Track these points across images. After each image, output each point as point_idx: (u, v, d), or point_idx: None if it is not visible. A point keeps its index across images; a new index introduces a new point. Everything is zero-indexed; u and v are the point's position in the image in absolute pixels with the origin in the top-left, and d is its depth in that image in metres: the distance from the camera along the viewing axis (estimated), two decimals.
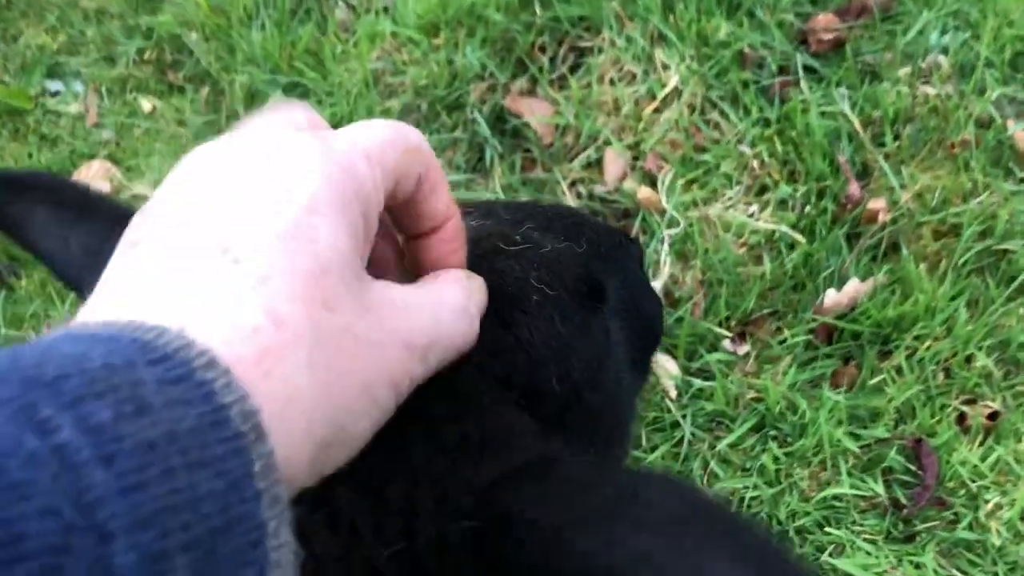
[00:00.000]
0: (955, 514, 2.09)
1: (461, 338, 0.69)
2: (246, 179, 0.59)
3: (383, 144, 0.66)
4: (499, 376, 0.77)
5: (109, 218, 0.98)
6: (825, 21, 2.70)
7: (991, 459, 2.11)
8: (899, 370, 2.24)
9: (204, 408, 0.48)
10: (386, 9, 3.18)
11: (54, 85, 3.64)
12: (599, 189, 2.65)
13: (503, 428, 0.73)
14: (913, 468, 2.15)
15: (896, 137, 2.52)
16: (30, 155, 3.46)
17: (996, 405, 2.19)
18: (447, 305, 0.68)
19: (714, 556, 0.55)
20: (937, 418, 2.17)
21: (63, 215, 0.97)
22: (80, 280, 1.01)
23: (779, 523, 2.14)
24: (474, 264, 0.82)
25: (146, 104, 3.44)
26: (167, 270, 0.55)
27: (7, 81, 3.67)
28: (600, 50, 2.86)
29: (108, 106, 3.48)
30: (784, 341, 2.32)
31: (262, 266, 0.54)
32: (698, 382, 2.31)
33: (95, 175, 3.32)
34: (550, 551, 0.66)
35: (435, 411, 0.72)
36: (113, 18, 3.69)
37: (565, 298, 0.84)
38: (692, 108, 2.71)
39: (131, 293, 0.54)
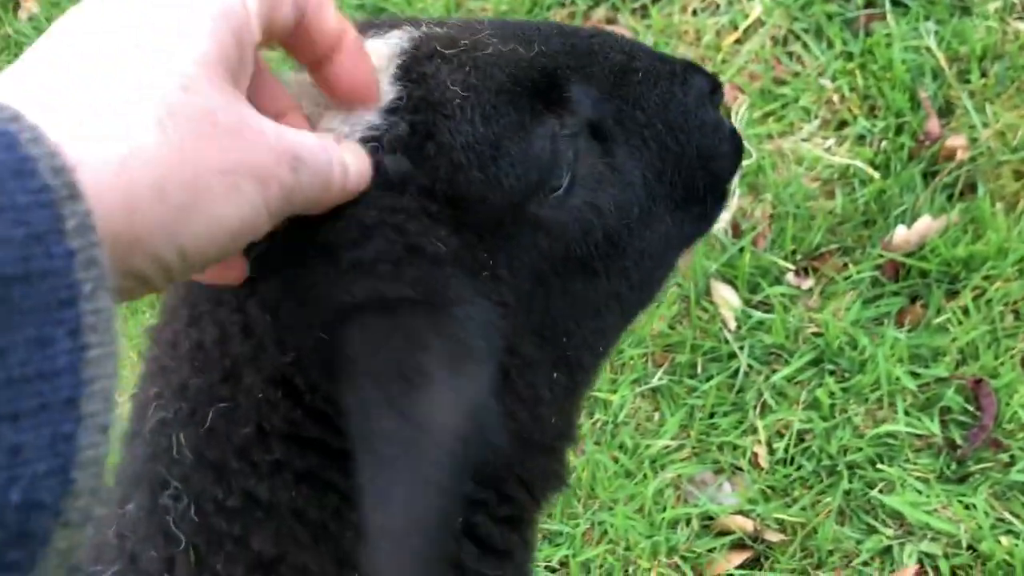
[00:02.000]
0: (1011, 456, 2.06)
1: (328, 174, 0.70)
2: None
3: None
4: (422, 187, 0.78)
5: None
6: None
7: None
8: (965, 310, 2.20)
9: (6, 156, 0.47)
10: None
11: None
12: None
13: (392, 252, 0.77)
14: (971, 409, 2.12)
15: (983, 74, 2.45)
16: None
17: None
18: (314, 140, 0.70)
19: None
20: (1000, 360, 2.13)
21: None
22: None
23: (830, 457, 2.14)
24: (406, 69, 0.83)
25: None
26: (39, 62, 0.59)
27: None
28: None
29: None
30: (849, 277, 2.30)
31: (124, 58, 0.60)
32: (758, 314, 2.31)
33: None
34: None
35: (330, 235, 0.77)
36: None
37: (492, 99, 0.82)
38: (775, 40, 2.68)
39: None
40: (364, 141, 0.80)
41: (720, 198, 1.11)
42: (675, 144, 1.01)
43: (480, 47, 0.86)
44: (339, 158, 0.72)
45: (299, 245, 0.78)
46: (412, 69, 0.83)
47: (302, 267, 0.79)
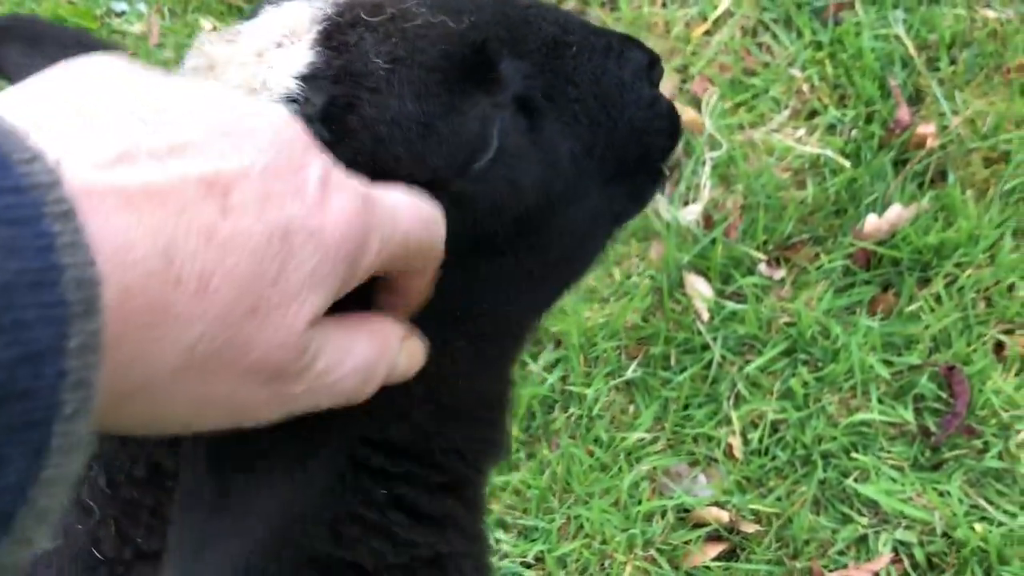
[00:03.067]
0: (985, 443, 2.07)
1: (346, 396, 0.66)
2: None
3: (415, 240, 0.67)
4: (342, 160, 0.71)
5: (57, 51, 0.98)
6: None
7: None
8: (937, 298, 2.21)
9: (30, 264, 0.43)
10: None
11: (119, 6, 3.72)
12: None
13: None
14: (944, 396, 2.13)
15: (952, 62, 2.46)
16: None
17: None
18: (354, 358, 0.65)
19: None
20: (973, 347, 2.14)
21: (36, 53, 0.99)
22: None
23: (804, 447, 2.14)
24: (327, 35, 0.79)
25: (207, 24, 3.51)
26: (80, 108, 0.52)
27: (75, 1, 3.77)
28: None
29: (169, 25, 3.56)
30: (821, 267, 2.30)
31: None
32: (731, 305, 2.31)
33: None
34: None
35: None
36: None
37: (420, 74, 0.80)
38: (744, 31, 2.68)
39: (30, 99, 0.53)
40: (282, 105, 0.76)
41: (654, 176, 1.09)
42: (607, 119, 0.99)
43: (408, 17, 0.83)
44: (393, 363, 0.71)
45: None
46: (334, 36, 0.80)
47: None
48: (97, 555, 0.86)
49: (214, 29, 3.34)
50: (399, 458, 0.90)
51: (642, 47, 1.02)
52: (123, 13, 3.72)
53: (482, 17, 0.87)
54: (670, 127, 1.04)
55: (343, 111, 0.78)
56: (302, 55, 0.79)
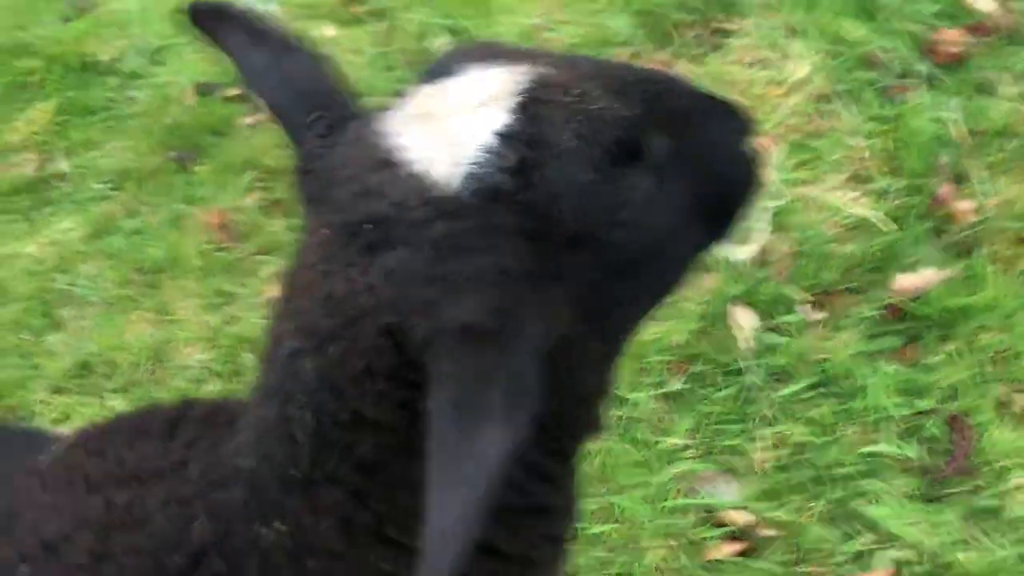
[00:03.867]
0: (981, 485, 2.35)
1: None
2: None
3: None
4: (522, 205, 1.01)
5: (279, 45, 1.29)
6: (952, 36, 2.94)
7: (1023, 444, 2.36)
8: (955, 354, 2.50)
9: None
10: None
11: (251, 2, 4.11)
12: None
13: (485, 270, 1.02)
14: (950, 440, 2.41)
15: (998, 149, 2.76)
16: (221, 61, 3.94)
17: None
18: None
19: None
20: (980, 400, 2.42)
21: (251, 36, 1.30)
22: (256, 85, 1.32)
23: (821, 468, 2.43)
24: (523, 105, 1.03)
25: (328, 30, 3.88)
26: None
27: None
28: (740, 35, 3.16)
29: (296, 27, 3.93)
30: (856, 314, 2.60)
31: None
32: (771, 337, 2.61)
33: None
34: None
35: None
36: None
37: (596, 152, 1.06)
38: (815, 98, 2.99)
39: None
40: (477, 164, 1.03)
41: (738, 217, 1.36)
42: (715, 174, 1.27)
43: (589, 100, 1.09)
44: None
45: (416, 232, 1.03)
46: (529, 107, 1.06)
47: (417, 257, 1.04)
48: (294, 474, 1.17)
49: (334, 36, 3.68)
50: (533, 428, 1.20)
51: (744, 114, 1.32)
52: (251, 8, 4.09)
53: (641, 101, 1.15)
54: (751, 178, 1.34)
55: (530, 170, 1.03)
56: (502, 117, 1.05)
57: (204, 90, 3.86)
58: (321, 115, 1.18)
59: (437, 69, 1.16)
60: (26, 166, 3.87)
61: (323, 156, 1.14)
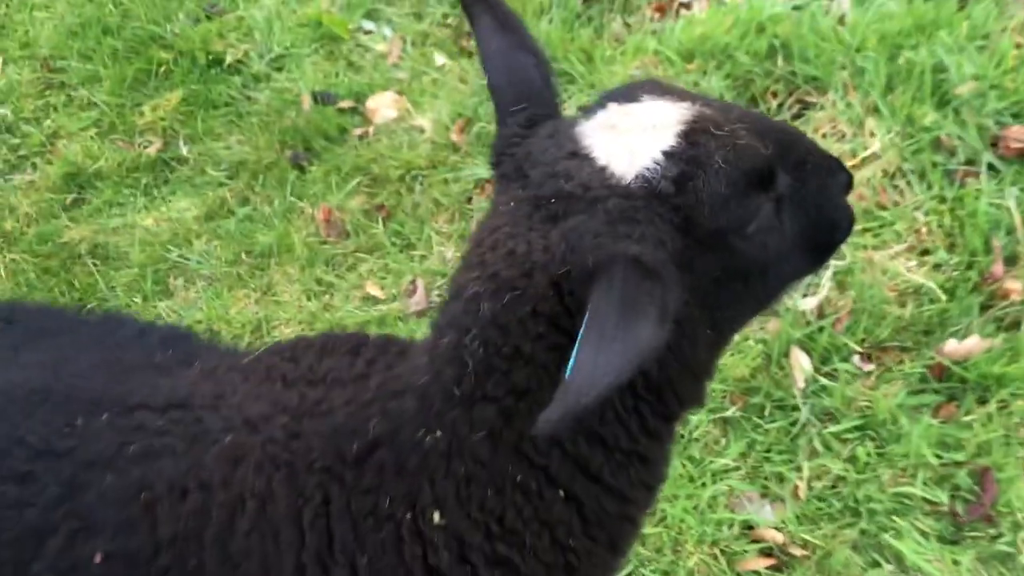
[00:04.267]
0: (999, 533, 2.60)
1: None
2: None
3: None
4: (676, 205, 1.37)
5: (517, 38, 1.63)
6: (1017, 132, 3.22)
7: None
8: (989, 416, 2.76)
9: None
10: (655, 32, 3.86)
11: (368, 25, 4.46)
12: None
13: (649, 237, 1.37)
14: (976, 490, 2.67)
15: None
16: (336, 74, 4.29)
17: None
18: None
19: None
20: (1008, 459, 2.68)
21: (499, 22, 1.63)
22: (486, 62, 1.64)
23: (856, 502, 2.70)
24: (686, 133, 1.39)
25: (439, 58, 4.21)
26: None
27: (332, 12, 4.52)
28: (822, 107, 3.46)
29: (408, 52, 4.28)
30: (904, 370, 2.87)
31: None
32: (824, 381, 2.88)
33: (387, 102, 4.12)
34: None
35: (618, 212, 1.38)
36: None
37: (737, 175, 1.40)
38: (885, 172, 3.28)
39: None
40: (648, 169, 1.39)
41: (831, 254, 1.75)
42: (820, 215, 1.62)
43: (737, 135, 1.45)
44: None
45: (594, 204, 1.39)
46: (691, 135, 1.42)
47: (594, 220, 1.39)
48: (458, 392, 1.49)
49: (444, 64, 4.01)
50: (650, 389, 1.52)
51: (846, 169, 1.67)
52: (370, 32, 4.46)
53: (774, 143, 1.50)
54: (849, 227, 1.72)
55: (686, 181, 1.39)
56: (669, 139, 1.42)
57: (320, 99, 4.20)
58: (526, 107, 1.51)
59: (622, 94, 1.50)
60: (150, 147, 4.23)
61: (521, 143, 1.47)
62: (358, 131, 4.05)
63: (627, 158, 1.41)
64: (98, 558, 1.50)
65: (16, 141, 4.44)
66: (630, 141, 1.43)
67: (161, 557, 1.52)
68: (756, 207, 1.47)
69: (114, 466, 1.54)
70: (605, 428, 1.53)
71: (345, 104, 4.16)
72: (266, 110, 4.21)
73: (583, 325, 1.28)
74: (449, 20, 4.36)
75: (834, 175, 1.66)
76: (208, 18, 4.62)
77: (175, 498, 1.53)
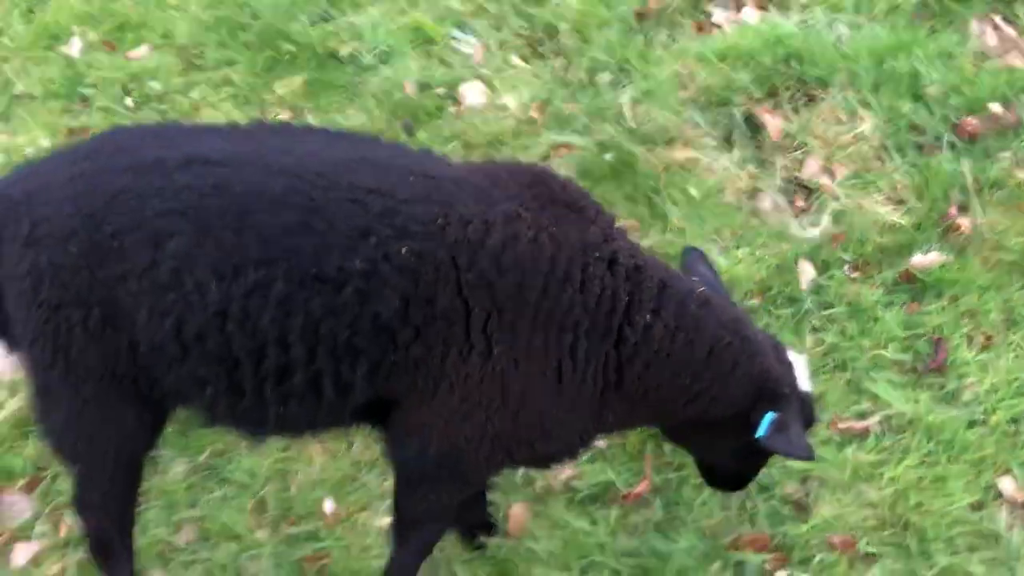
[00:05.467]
0: (946, 381, 3.64)
1: None
2: None
3: None
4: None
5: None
6: (971, 120, 4.35)
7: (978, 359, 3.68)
8: (943, 307, 3.83)
9: None
10: (694, 41, 4.98)
11: (457, 33, 5.56)
12: None
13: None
14: (931, 353, 3.72)
15: (991, 192, 4.13)
16: (431, 69, 5.37)
17: None
18: None
19: None
20: (954, 333, 3.74)
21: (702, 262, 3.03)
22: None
23: (844, 361, 3.73)
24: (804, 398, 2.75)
25: (516, 60, 5.31)
26: None
27: (427, 20, 5.61)
28: (824, 100, 4.57)
29: (491, 52, 5.37)
30: (881, 277, 3.94)
31: None
32: (823, 281, 3.95)
33: (475, 90, 5.20)
34: None
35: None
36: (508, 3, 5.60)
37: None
38: (871, 147, 4.38)
39: None
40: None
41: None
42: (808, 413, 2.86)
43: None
44: None
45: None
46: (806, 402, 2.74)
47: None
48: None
49: (519, 63, 5.19)
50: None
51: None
52: (456, 39, 5.56)
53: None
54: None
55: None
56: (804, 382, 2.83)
57: (421, 86, 5.28)
58: None
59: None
60: (280, 115, 5.28)
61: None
62: (452, 108, 5.13)
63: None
64: (404, 251, 2.41)
65: (164, 107, 5.48)
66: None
67: (443, 254, 2.40)
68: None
69: (425, 200, 2.48)
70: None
71: (440, 90, 5.25)
72: (377, 93, 5.28)
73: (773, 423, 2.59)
74: (524, 31, 5.46)
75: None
76: (324, 20, 5.72)
77: (462, 223, 2.43)
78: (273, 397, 2.51)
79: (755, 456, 2.83)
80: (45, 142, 5.10)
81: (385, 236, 2.41)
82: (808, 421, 2.81)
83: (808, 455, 2.61)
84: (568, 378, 2.53)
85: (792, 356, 2.80)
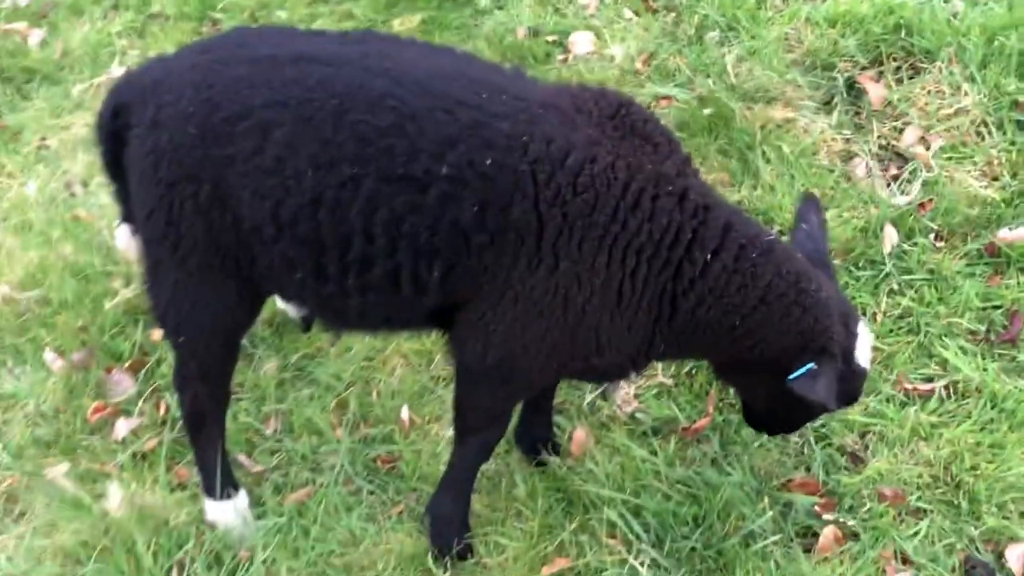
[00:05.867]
0: (1019, 354, 3.68)
1: None
2: None
3: None
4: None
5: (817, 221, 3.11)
6: None
7: None
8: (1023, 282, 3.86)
9: None
10: (807, 4, 5.03)
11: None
12: None
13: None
14: (1007, 324, 3.76)
15: None
16: (545, 16, 5.52)
17: None
18: None
19: None
20: None
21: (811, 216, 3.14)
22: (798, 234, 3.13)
23: (918, 325, 3.79)
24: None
25: (628, 13, 5.43)
26: None
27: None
28: (929, 72, 4.59)
29: (603, 6, 5.51)
30: (965, 248, 3.98)
31: None
32: (906, 247, 4.01)
33: (585, 40, 5.31)
34: None
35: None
36: None
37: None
38: (972, 122, 4.40)
39: None
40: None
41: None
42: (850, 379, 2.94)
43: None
44: None
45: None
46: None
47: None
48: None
49: (634, 16, 5.26)
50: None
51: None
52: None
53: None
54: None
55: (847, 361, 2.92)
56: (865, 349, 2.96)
57: (533, 32, 5.45)
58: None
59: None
60: None
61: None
62: (560, 57, 5.29)
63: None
64: (488, 162, 2.59)
65: None
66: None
67: (524, 168, 2.58)
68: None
69: (513, 117, 2.65)
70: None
71: (551, 38, 5.40)
72: (489, 35, 5.46)
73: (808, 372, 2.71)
74: None
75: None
76: None
77: (544, 141, 2.59)
78: (355, 286, 2.72)
79: (795, 405, 2.89)
80: None
81: (472, 146, 2.60)
82: (851, 395, 2.96)
83: (829, 402, 2.70)
84: (626, 300, 2.69)
85: (861, 328, 2.91)
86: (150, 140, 2.74)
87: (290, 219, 2.67)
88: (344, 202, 2.62)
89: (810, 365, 2.69)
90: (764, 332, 2.77)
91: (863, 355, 2.90)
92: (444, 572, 3.28)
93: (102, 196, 4.70)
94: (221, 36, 3.16)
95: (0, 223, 4.73)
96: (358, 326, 3.08)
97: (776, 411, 3.09)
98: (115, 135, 2.91)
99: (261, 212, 2.68)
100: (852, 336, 2.87)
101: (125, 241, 3.34)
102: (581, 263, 2.63)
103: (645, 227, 2.62)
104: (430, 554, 3.29)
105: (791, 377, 2.70)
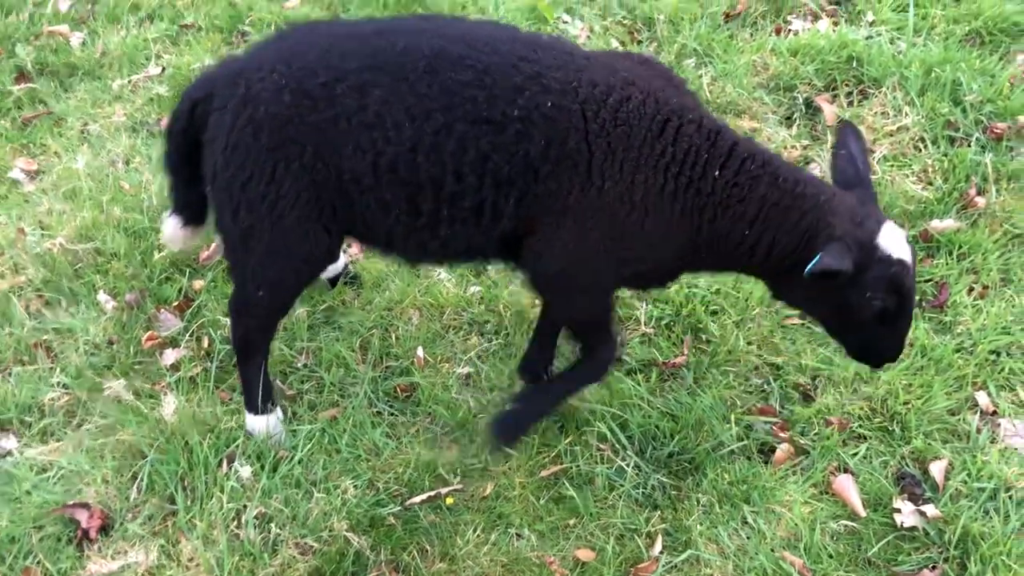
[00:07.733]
0: (945, 315, 4.38)
1: None
2: None
3: None
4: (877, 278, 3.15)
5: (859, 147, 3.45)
6: (999, 125, 5.10)
7: (973, 303, 4.41)
8: (951, 260, 4.57)
9: None
10: (772, 37, 5.80)
11: (567, 17, 6.45)
12: None
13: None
14: (935, 292, 4.46)
15: (1008, 182, 4.89)
16: None
17: None
18: None
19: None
20: (957, 278, 4.48)
21: (852, 143, 3.45)
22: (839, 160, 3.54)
23: None
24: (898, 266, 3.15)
25: (615, 43, 6.17)
26: None
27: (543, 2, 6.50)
28: (875, 96, 5.36)
29: (595, 32, 6.25)
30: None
31: None
32: None
33: None
34: None
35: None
36: None
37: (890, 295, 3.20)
38: (911, 138, 5.16)
39: None
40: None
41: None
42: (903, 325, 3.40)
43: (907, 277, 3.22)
44: None
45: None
46: (897, 272, 3.15)
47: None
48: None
49: (619, 48, 6.12)
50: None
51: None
52: (567, 22, 6.45)
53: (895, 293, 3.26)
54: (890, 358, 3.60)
55: (892, 287, 3.25)
56: (896, 265, 3.23)
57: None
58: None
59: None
60: None
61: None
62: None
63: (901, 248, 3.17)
64: (548, 104, 3.16)
65: None
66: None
67: (576, 107, 3.11)
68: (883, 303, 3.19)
69: (564, 68, 3.21)
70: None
71: None
72: None
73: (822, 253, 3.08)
74: (625, 21, 6.33)
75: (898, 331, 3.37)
76: None
77: (590, 85, 3.17)
78: (446, 216, 3.28)
79: (846, 308, 3.27)
80: (209, 61, 6.05)
81: (535, 91, 3.18)
82: (893, 282, 3.17)
83: (838, 264, 3.00)
84: (660, 210, 3.23)
85: (888, 228, 3.20)
86: (245, 115, 3.19)
87: (389, 166, 3.18)
88: (439, 146, 3.13)
89: (818, 257, 3.06)
90: (772, 236, 3.21)
91: (893, 246, 3.14)
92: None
93: (144, 173, 5.28)
94: (289, 29, 3.61)
95: (51, 191, 5.26)
96: (439, 256, 3.55)
97: (847, 324, 3.41)
98: (188, 131, 3.38)
99: (363, 163, 3.19)
100: (867, 231, 3.13)
101: (172, 231, 3.79)
102: (622, 182, 3.19)
103: (670, 150, 3.16)
104: (484, 436, 3.91)
105: (806, 271, 3.06)
